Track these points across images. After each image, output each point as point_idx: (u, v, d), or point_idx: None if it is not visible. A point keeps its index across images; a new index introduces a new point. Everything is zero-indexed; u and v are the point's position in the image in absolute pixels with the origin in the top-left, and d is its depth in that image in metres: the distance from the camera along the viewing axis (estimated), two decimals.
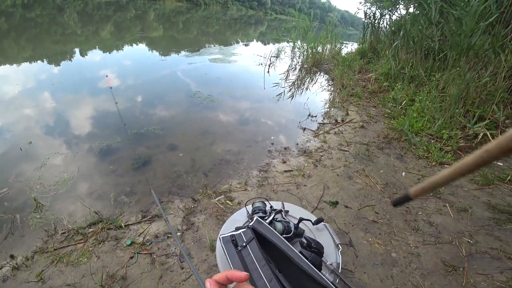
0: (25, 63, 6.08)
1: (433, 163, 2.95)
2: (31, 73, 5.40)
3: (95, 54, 7.76)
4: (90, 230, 2.08)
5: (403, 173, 2.83)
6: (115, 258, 1.87)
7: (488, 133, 3.18)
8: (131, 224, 2.14)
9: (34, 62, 6.29)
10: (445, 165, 2.94)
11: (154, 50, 9.11)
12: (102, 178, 2.69)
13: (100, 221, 2.12)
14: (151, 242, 1.98)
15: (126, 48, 9.10)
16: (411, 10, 7.00)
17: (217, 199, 2.44)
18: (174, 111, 4.27)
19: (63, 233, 2.03)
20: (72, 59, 6.93)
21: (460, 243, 2.07)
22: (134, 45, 9.80)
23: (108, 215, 2.24)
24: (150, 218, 2.22)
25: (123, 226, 2.10)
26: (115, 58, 7.55)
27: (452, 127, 3.32)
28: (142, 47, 9.52)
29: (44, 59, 6.58)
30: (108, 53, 8.11)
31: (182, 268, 1.81)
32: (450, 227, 2.21)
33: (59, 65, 6.23)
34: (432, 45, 4.75)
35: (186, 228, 2.14)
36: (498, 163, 2.95)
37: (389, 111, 3.93)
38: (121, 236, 2.05)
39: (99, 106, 4.22)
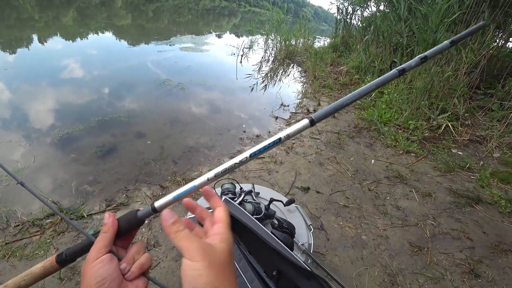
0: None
1: (400, 152, 3.04)
2: None
3: (56, 42, 7.10)
4: (48, 221, 1.89)
5: (372, 161, 2.89)
6: None
7: (449, 124, 3.34)
8: (94, 214, 2.01)
9: None
10: (412, 154, 3.04)
11: (121, 39, 8.55)
12: (62, 168, 2.49)
13: (60, 211, 1.94)
14: None
15: (91, 36, 8.43)
16: (381, 8, 7.24)
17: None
18: (142, 99, 4.05)
19: (16, 225, 1.85)
20: (29, 46, 6.28)
21: (425, 225, 2.14)
22: (100, 33, 9.10)
23: (69, 205, 2.07)
24: (115, 206, 2.09)
25: (86, 216, 1.96)
26: (79, 46, 6.95)
27: (418, 118, 3.45)
28: (108, 35, 8.90)
29: None
30: (71, 41, 7.48)
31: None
32: (416, 210, 2.29)
33: (15, 52, 5.63)
34: (400, 40, 4.92)
35: (154, 216, 2.02)
36: (458, 152, 3.11)
37: (359, 103, 4.01)
38: (83, 226, 1.89)
39: (58, 93, 3.90)
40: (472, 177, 2.74)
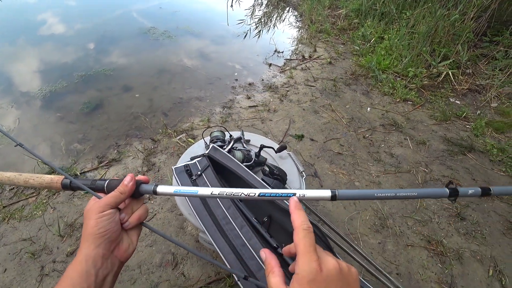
0: None
1: (398, 100, 2.95)
2: None
3: None
4: None
5: (368, 109, 2.80)
6: (73, 207, 1.73)
7: (450, 72, 3.21)
8: (87, 171, 1.97)
9: None
10: (409, 102, 2.96)
11: None
12: (49, 127, 2.38)
13: (52, 172, 1.89)
14: None
15: None
16: None
17: (178, 137, 2.27)
18: (126, 50, 3.73)
19: (11, 189, 1.82)
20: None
21: (417, 172, 2.14)
22: None
23: (60, 165, 2.02)
24: (107, 163, 2.05)
25: (79, 174, 1.93)
26: None
27: (418, 65, 3.30)
28: None
29: None
30: None
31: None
32: (409, 158, 2.28)
33: None
34: None
35: (147, 170, 2.02)
36: (456, 101, 3.04)
37: (358, 48, 3.79)
38: None
39: (37, 50, 3.59)
40: (467, 126, 2.70)
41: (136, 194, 0.51)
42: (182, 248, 1.49)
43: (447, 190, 0.48)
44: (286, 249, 0.46)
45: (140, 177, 0.52)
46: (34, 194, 1.79)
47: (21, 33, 4.06)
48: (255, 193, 0.46)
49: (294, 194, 0.45)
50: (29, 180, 0.55)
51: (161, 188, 0.49)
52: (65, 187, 0.53)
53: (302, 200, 0.45)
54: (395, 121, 2.64)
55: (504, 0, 3.81)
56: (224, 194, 0.47)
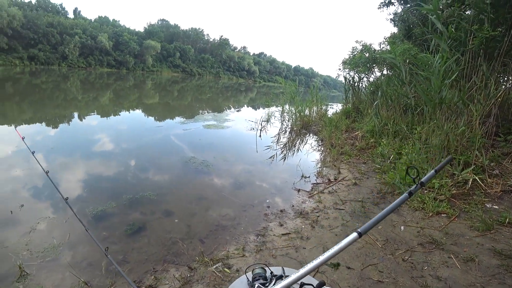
0: (24, 125, 6.55)
1: (430, 214, 2.94)
2: (28, 134, 5.71)
3: (93, 119, 8.33)
4: None
5: (402, 227, 2.80)
6: None
7: (477, 178, 3.25)
8: None
9: (33, 124, 6.70)
10: (442, 215, 2.93)
11: (149, 116, 9.78)
12: (93, 246, 2.57)
13: None
14: None
15: (123, 113, 9.85)
16: (385, 72, 7.75)
17: (214, 267, 2.34)
18: (170, 177, 4.34)
19: None
20: (70, 122, 7.54)
21: None
22: (131, 110, 10.60)
23: (98, 286, 2.12)
24: None
25: None
26: (111, 122, 8.13)
27: (442, 176, 3.40)
28: (138, 112, 10.30)
29: (43, 122, 7.14)
30: (105, 118, 8.73)
31: None
32: (460, 280, 2.12)
33: (56, 127, 6.76)
34: (408, 101, 5.15)
35: None
36: (494, 206, 2.95)
37: (379, 166, 4.04)
38: None
39: (93, 170, 4.33)
40: None
41: None
42: None
43: (407, 195, 0.59)
44: None
45: None
46: None
47: (81, 152, 5.07)
48: None
49: (329, 259, 0.57)
50: None
51: None
52: None
53: None
54: (433, 238, 2.57)
55: (503, 102, 4.14)
56: None
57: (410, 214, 2.99)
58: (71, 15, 51.11)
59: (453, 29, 4.27)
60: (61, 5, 50.18)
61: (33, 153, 2.34)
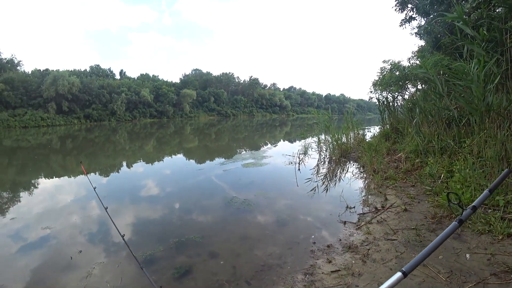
0: (80, 176, 7.30)
1: (500, 237, 2.58)
2: (82, 184, 6.40)
3: (140, 166, 9.08)
4: None
5: (467, 255, 2.47)
6: None
7: None
8: None
9: (88, 174, 7.48)
10: None
11: (190, 159, 10.35)
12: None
13: None
14: None
15: (166, 159, 10.58)
16: (419, 86, 7.43)
17: None
18: (213, 218, 4.40)
19: None
20: (119, 170, 8.34)
21: None
22: (173, 155, 11.41)
23: None
24: None
25: None
26: (156, 168, 8.78)
27: (506, 191, 3.03)
28: (180, 156, 11.04)
29: (96, 172, 7.94)
30: (150, 164, 9.47)
31: None
32: None
33: (108, 176, 7.50)
34: (450, 114, 4.82)
35: None
36: None
37: (430, 188, 3.72)
38: None
39: (141, 215, 4.58)
40: None
41: None
42: None
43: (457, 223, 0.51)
44: None
45: None
46: None
47: (129, 198, 5.20)
48: None
49: None
50: None
51: None
52: None
53: None
54: (508, 266, 2.23)
55: None
56: None
57: (475, 239, 2.65)
58: (117, 76, 58.38)
59: (484, 31, 4.05)
60: (109, 68, 57.98)
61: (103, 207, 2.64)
